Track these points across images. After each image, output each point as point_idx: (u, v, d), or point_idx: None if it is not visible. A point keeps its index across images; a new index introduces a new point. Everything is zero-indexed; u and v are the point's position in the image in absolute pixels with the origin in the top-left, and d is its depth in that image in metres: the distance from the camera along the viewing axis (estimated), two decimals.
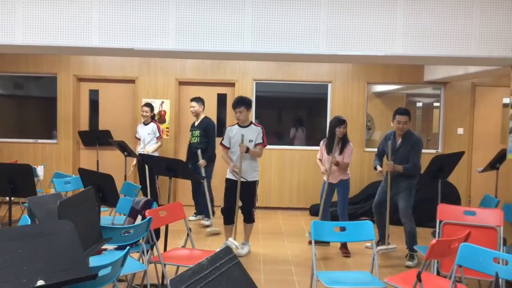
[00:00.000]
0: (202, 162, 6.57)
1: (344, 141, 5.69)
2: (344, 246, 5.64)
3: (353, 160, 8.00)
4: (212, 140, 6.80)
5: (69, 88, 8.07)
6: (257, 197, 5.57)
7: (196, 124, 6.88)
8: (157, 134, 7.20)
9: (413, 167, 5.33)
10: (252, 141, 5.38)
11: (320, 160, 5.97)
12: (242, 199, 5.48)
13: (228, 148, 5.50)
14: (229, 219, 5.48)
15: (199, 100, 6.88)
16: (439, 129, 8.26)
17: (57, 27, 4.66)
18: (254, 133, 5.41)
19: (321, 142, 5.98)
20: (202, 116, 6.87)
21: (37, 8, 4.64)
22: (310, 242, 5.76)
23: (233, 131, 5.47)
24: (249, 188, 5.43)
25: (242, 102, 5.40)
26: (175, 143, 8.10)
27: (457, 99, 8.11)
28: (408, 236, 5.35)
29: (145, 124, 7.23)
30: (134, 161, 7.22)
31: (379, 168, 5.64)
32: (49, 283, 2.17)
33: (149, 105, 7.28)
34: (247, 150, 5.30)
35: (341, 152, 5.66)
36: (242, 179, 5.38)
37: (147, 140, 7.11)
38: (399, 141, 5.45)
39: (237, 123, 5.50)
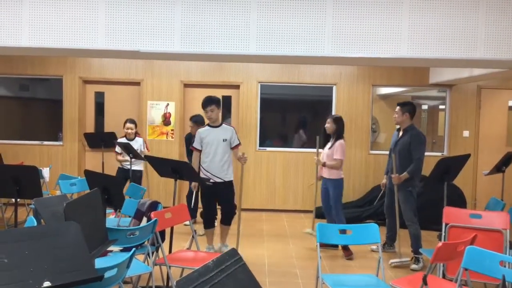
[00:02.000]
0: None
1: (336, 138, 5.72)
2: (345, 248, 5.62)
3: (358, 163, 8.05)
4: None
5: (74, 90, 8.10)
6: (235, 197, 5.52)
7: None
8: (143, 149, 6.98)
9: (416, 163, 5.30)
10: (226, 140, 5.29)
11: None
12: (223, 201, 5.36)
13: (200, 151, 5.37)
14: (210, 223, 5.41)
15: (200, 121, 6.57)
16: (444, 131, 8.23)
17: (63, 29, 4.68)
18: (228, 133, 5.34)
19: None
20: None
21: (43, 10, 4.66)
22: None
23: (205, 132, 5.35)
24: (228, 188, 5.34)
25: (211, 101, 5.30)
26: (180, 145, 8.11)
27: (463, 101, 8.09)
28: (413, 238, 5.35)
29: (130, 139, 6.92)
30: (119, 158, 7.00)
31: (384, 180, 5.80)
32: (55, 284, 2.17)
33: (133, 121, 7.04)
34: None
35: (330, 148, 5.73)
36: (219, 180, 5.27)
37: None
38: (400, 134, 5.58)
39: (208, 124, 5.42)
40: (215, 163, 5.27)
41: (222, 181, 5.29)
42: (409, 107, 5.53)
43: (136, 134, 7.12)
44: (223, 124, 5.42)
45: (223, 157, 5.28)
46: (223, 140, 5.28)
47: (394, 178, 5.37)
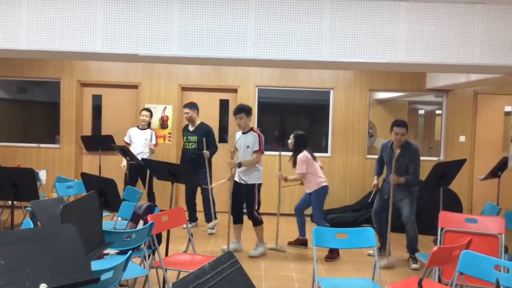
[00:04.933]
0: (206, 153, 6.51)
1: (297, 153, 5.92)
2: (331, 251, 5.67)
3: (355, 167, 8.06)
4: (215, 145, 6.77)
5: (72, 93, 8.10)
6: (258, 200, 5.73)
7: (191, 129, 6.81)
8: (154, 142, 7.18)
9: (414, 178, 5.45)
10: (249, 147, 5.64)
11: None
12: (245, 202, 5.74)
13: (237, 150, 5.82)
14: (236, 219, 5.78)
15: (192, 105, 6.81)
16: (441, 136, 8.26)
17: (62, 32, 4.69)
18: (251, 139, 5.66)
19: None
20: (197, 122, 6.82)
21: (42, 13, 4.67)
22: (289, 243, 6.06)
23: (237, 137, 5.85)
24: (248, 191, 5.67)
25: (242, 110, 5.72)
26: (177, 149, 8.10)
27: (459, 106, 8.12)
28: (412, 240, 5.46)
29: (142, 129, 7.18)
30: (124, 162, 7.12)
31: (374, 181, 5.83)
32: (51, 286, 2.18)
33: (149, 110, 7.28)
34: (239, 165, 5.60)
35: (294, 165, 5.98)
36: (242, 182, 5.66)
37: (143, 146, 7.03)
38: (397, 151, 5.54)
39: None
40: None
41: (244, 183, 5.67)
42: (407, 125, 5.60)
43: (149, 125, 7.30)
44: (251, 131, 5.76)
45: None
46: (247, 147, 5.65)
47: (392, 179, 5.42)
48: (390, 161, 5.55)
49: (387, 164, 5.67)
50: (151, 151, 7.11)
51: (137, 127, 7.24)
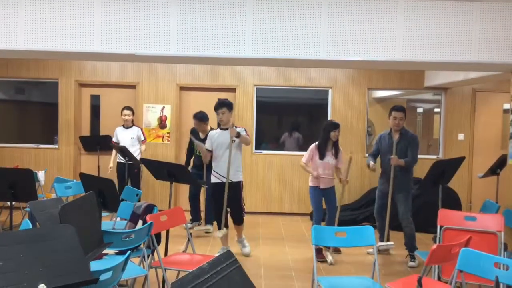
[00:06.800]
0: None
1: (337, 145, 5.75)
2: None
3: (353, 166, 8.00)
4: None
5: (70, 94, 8.09)
6: (243, 198, 5.61)
7: (203, 137, 6.56)
8: (142, 138, 7.21)
9: (413, 161, 5.52)
10: (234, 141, 5.42)
11: (306, 164, 5.79)
12: (230, 202, 5.44)
13: (211, 151, 5.56)
14: (221, 224, 5.53)
15: (202, 117, 6.60)
16: (439, 134, 8.27)
17: (59, 32, 4.68)
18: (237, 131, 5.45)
19: (312, 146, 5.83)
20: (208, 129, 6.62)
21: (39, 14, 4.66)
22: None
23: (215, 135, 5.55)
24: (235, 189, 5.45)
25: (223, 104, 5.53)
26: (176, 148, 8.10)
27: (458, 104, 8.12)
28: (409, 238, 5.46)
29: (126, 127, 7.16)
30: (111, 163, 7.14)
31: (371, 163, 5.73)
32: (50, 287, 2.17)
33: (130, 108, 7.23)
34: (238, 135, 5.32)
35: (336, 156, 5.71)
36: (223, 181, 5.40)
37: (129, 144, 6.98)
38: (396, 137, 5.59)
39: (219, 127, 5.59)
40: (223, 164, 5.41)
41: (229, 181, 5.40)
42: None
43: (133, 122, 7.28)
44: (234, 127, 5.50)
45: (231, 159, 5.39)
46: (233, 141, 5.40)
47: (392, 159, 5.44)
48: (389, 147, 5.58)
49: (385, 153, 5.62)
50: (140, 148, 7.12)
51: (122, 126, 7.21)
